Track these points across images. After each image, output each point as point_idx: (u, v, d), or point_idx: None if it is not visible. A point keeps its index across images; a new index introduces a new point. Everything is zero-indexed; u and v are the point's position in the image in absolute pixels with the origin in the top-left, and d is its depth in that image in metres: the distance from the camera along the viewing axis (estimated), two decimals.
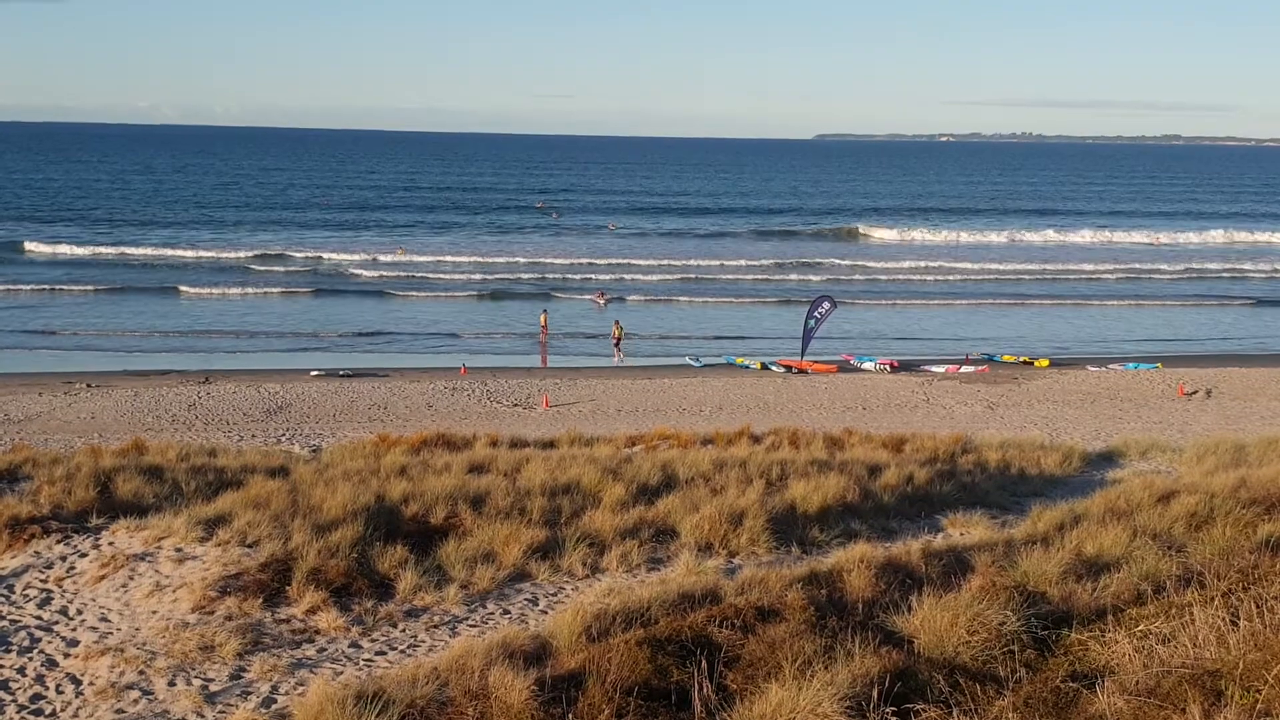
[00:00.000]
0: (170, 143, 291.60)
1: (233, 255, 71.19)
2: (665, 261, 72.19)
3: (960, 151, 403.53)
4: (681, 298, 59.85)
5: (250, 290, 59.36)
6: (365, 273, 66.39)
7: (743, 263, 73.36)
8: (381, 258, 71.49)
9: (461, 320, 51.76)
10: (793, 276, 69.42)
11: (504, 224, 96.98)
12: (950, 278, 70.42)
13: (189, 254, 71.42)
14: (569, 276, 66.11)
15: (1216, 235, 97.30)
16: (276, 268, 67.71)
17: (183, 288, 58.92)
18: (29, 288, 57.48)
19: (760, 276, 69.74)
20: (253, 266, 67.70)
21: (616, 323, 46.27)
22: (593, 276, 65.52)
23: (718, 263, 73.17)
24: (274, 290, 59.73)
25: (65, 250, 72.15)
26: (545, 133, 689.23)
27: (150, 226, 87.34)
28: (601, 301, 56.75)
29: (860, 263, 75.33)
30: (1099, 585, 10.47)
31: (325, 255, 72.41)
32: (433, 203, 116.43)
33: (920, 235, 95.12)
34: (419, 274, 65.94)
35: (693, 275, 68.11)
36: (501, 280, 64.61)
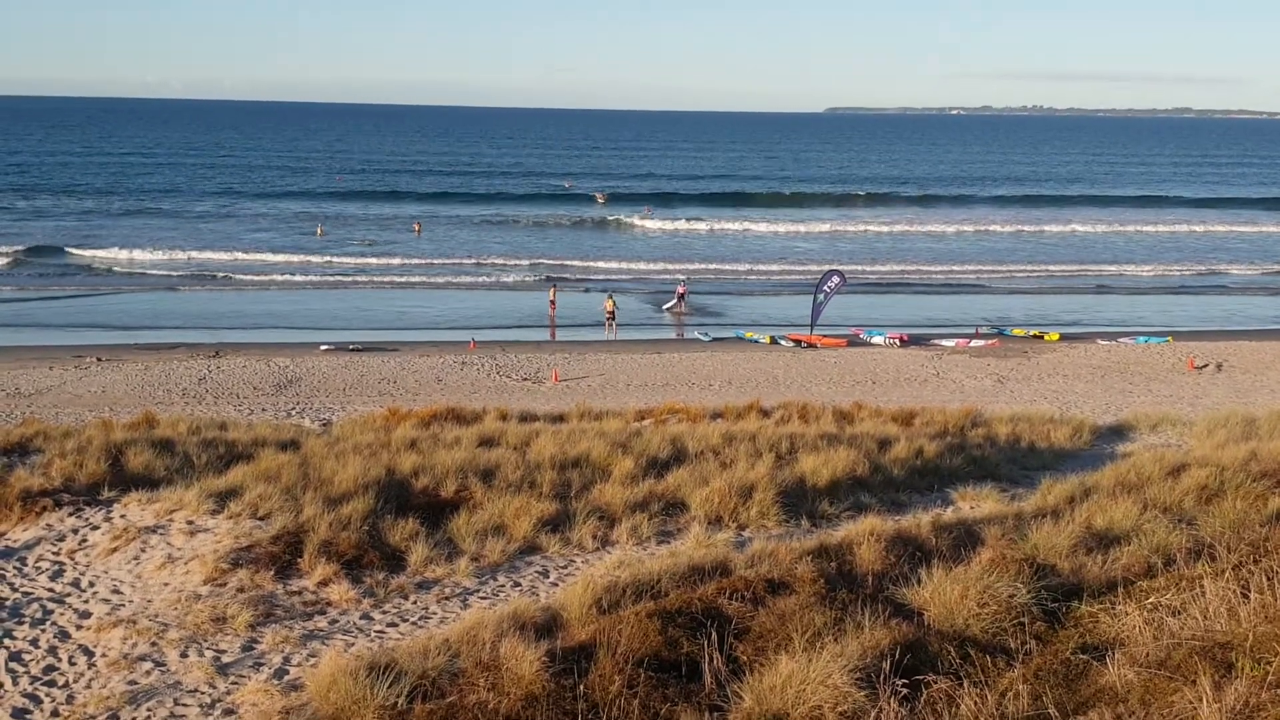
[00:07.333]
0: (178, 118, 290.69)
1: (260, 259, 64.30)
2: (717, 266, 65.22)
3: (974, 124, 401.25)
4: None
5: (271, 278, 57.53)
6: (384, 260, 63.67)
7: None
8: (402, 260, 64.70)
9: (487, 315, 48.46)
10: None
11: (535, 215, 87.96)
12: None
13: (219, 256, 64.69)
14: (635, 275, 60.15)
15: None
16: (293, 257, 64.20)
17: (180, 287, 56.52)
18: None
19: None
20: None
21: (610, 297, 45.81)
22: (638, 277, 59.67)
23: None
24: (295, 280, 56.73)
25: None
26: (552, 107, 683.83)
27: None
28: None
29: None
30: (1109, 558, 10.49)
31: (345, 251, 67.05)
32: (456, 187, 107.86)
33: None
34: (438, 276, 59.87)
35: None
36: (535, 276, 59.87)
